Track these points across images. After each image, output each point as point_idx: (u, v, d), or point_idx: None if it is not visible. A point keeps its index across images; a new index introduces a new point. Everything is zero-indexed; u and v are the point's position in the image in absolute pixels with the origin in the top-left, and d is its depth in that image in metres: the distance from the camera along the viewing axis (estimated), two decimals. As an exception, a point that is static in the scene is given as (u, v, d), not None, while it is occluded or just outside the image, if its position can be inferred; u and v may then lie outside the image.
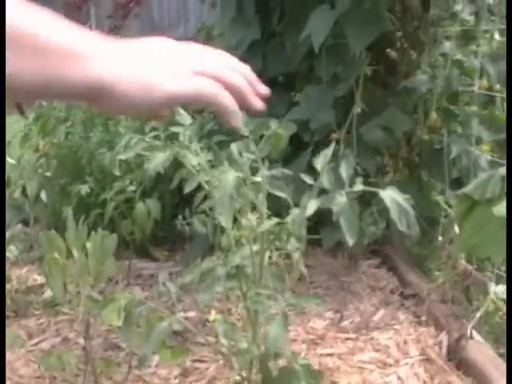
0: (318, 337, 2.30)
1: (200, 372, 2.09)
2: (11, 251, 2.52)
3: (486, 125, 2.38)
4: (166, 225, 2.90)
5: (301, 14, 2.81)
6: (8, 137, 3.14)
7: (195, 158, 1.40)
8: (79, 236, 1.85)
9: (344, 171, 1.28)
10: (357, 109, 2.74)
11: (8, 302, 2.42)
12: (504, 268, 2.46)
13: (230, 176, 1.19)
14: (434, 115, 2.66)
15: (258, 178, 1.30)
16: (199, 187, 1.54)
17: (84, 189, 2.58)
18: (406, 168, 2.89)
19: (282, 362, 1.38)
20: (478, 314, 2.22)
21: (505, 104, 2.38)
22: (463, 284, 2.43)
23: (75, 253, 1.83)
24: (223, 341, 1.40)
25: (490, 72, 2.37)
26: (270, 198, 1.44)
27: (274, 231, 1.36)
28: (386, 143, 2.73)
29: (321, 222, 2.87)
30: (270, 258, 1.50)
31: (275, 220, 1.32)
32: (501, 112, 2.43)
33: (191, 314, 2.40)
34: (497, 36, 2.39)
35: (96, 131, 2.86)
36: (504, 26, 2.32)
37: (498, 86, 2.43)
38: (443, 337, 2.26)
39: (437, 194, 2.78)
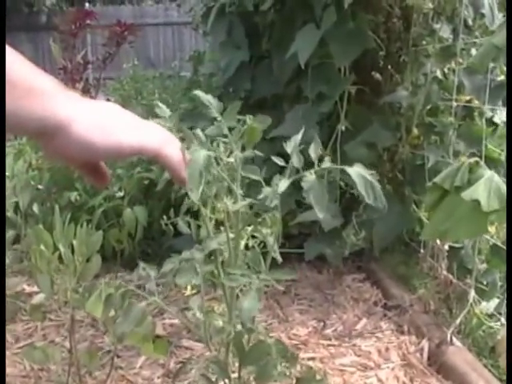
0: (300, 342, 2.33)
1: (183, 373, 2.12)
2: (1, 260, 2.56)
3: (462, 137, 2.46)
4: (154, 238, 2.95)
5: (288, 36, 2.90)
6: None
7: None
8: (66, 233, 1.91)
9: (313, 152, 1.34)
10: (341, 126, 2.82)
11: (-4, 307, 2.46)
12: (485, 281, 2.51)
13: (201, 153, 1.25)
14: (415, 131, 2.74)
15: (231, 159, 1.35)
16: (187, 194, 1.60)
17: (73, 195, 2.64)
18: (389, 184, 2.95)
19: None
20: (458, 320, 2.26)
21: (483, 118, 2.45)
22: (444, 293, 2.47)
23: (61, 248, 1.88)
24: (198, 315, 1.44)
25: (466, 85, 2.45)
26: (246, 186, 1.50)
27: (248, 213, 1.42)
28: (369, 159, 2.79)
29: (305, 235, 2.94)
30: (247, 245, 1.56)
31: (248, 200, 1.38)
32: (479, 125, 2.50)
33: (175, 321, 2.44)
34: (474, 51, 2.47)
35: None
36: (479, 41, 2.41)
37: (475, 101, 2.51)
38: (424, 343, 2.30)
39: (420, 209, 2.84)
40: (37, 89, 0.81)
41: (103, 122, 0.87)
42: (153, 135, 0.95)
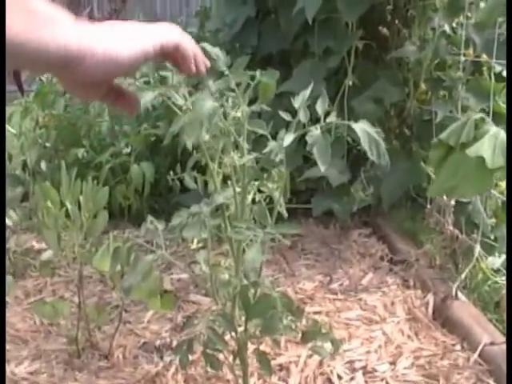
0: (306, 297, 2.36)
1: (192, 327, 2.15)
2: (10, 217, 2.58)
3: (472, 92, 2.44)
4: (161, 194, 2.96)
5: (295, -10, 2.87)
6: (9, 111, 3.23)
7: (181, 100, 1.46)
8: (73, 189, 1.92)
9: (319, 107, 1.34)
10: (348, 81, 2.80)
11: (6, 263, 2.48)
12: (492, 236, 2.52)
13: (207, 103, 1.25)
14: (423, 86, 2.73)
15: (238, 113, 1.35)
16: (194, 148, 1.60)
17: (80, 152, 2.65)
18: (397, 140, 2.94)
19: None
20: (463, 275, 2.27)
21: (492, 73, 2.43)
22: (450, 248, 2.48)
23: (68, 205, 1.89)
24: (204, 268, 1.46)
25: (475, 41, 2.43)
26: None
27: (254, 167, 1.42)
28: (376, 115, 2.78)
29: (312, 190, 2.94)
30: (254, 200, 1.56)
31: (254, 154, 1.38)
32: (487, 80, 2.48)
33: (183, 276, 2.47)
34: (482, 5, 2.44)
35: (94, 103, 2.93)
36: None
37: (484, 56, 2.49)
38: (429, 298, 2.31)
39: (428, 164, 2.83)
40: (57, 17, 0.80)
41: (122, 34, 0.88)
42: (170, 30, 0.96)
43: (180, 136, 1.58)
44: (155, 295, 1.89)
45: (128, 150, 2.64)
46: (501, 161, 1.45)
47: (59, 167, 1.94)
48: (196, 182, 1.79)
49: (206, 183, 1.73)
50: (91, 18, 4.73)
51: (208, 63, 1.09)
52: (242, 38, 3.24)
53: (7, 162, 2.97)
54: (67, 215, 1.89)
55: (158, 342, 2.05)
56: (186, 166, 1.72)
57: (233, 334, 1.52)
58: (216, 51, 1.45)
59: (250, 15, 3.17)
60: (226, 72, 1.39)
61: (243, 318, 1.52)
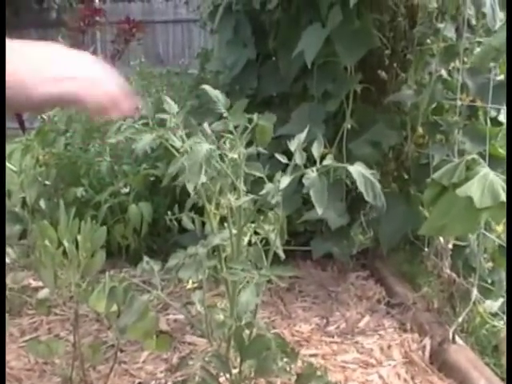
0: (303, 339, 2.35)
1: (187, 368, 2.14)
2: (8, 254, 2.59)
3: (468, 136, 2.46)
4: (160, 234, 2.97)
5: (294, 34, 2.90)
6: (10, 149, 3.25)
7: (179, 142, 1.48)
8: (71, 228, 1.93)
9: (315, 150, 1.36)
10: (347, 125, 2.83)
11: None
12: (489, 280, 2.52)
13: (203, 146, 1.27)
14: (420, 130, 2.75)
15: (235, 155, 1.37)
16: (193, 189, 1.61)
17: (79, 191, 2.66)
18: (395, 183, 2.96)
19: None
20: (460, 319, 2.27)
21: (487, 117, 2.45)
22: (448, 292, 2.48)
23: (66, 243, 1.90)
24: (199, 308, 1.46)
25: (469, 86, 2.45)
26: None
27: (250, 209, 1.43)
28: (374, 158, 2.80)
29: (311, 232, 2.95)
30: (250, 242, 1.57)
31: (251, 196, 1.39)
32: (483, 124, 2.50)
33: (179, 316, 2.46)
34: (477, 51, 2.48)
35: (94, 143, 2.96)
36: (483, 40, 2.41)
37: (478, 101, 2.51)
38: (426, 341, 2.31)
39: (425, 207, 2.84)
40: None
41: (23, 75, 0.88)
42: (71, 85, 0.93)
43: (178, 177, 1.59)
44: (151, 336, 1.88)
45: (127, 189, 2.66)
46: (489, 201, 1.47)
47: (58, 205, 1.95)
48: (194, 223, 1.80)
49: (203, 224, 1.74)
50: (94, 58, 4.79)
51: (137, 103, 1.07)
52: (242, 81, 3.27)
53: (6, 199, 2.98)
54: (65, 254, 1.89)
55: (152, 383, 2.04)
56: (184, 207, 1.73)
57: (227, 375, 1.52)
58: (216, 93, 1.48)
59: (251, 58, 3.22)
60: (225, 114, 1.42)
61: (238, 360, 1.52)
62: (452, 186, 1.51)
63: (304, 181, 1.32)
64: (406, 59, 2.89)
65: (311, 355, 2.23)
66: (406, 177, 2.95)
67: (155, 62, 7.60)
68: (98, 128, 3.11)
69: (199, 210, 1.67)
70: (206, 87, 1.45)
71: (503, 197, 1.53)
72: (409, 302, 2.58)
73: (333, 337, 2.38)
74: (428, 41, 2.71)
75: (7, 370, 2.13)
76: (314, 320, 2.51)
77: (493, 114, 2.47)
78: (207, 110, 2.71)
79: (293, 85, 3.12)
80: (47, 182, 2.97)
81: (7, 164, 2.93)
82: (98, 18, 4.93)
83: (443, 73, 2.60)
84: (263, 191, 1.36)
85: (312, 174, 1.33)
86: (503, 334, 2.23)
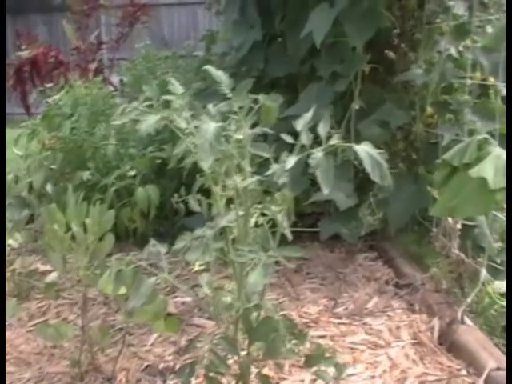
0: (311, 320, 2.34)
1: (195, 350, 2.14)
2: (16, 239, 2.59)
3: (479, 115, 2.43)
4: (167, 217, 2.97)
5: (301, 15, 2.88)
6: (16, 134, 3.25)
7: (184, 123, 1.47)
8: (79, 211, 1.92)
9: (322, 129, 1.34)
10: (355, 105, 2.81)
11: (11, 285, 2.49)
12: (498, 260, 2.51)
13: (211, 125, 1.25)
14: (429, 110, 2.73)
15: (240, 136, 1.36)
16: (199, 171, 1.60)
17: (85, 175, 2.66)
18: (403, 163, 2.94)
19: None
20: (469, 299, 2.25)
21: (498, 95, 2.43)
22: (456, 272, 2.47)
23: (74, 227, 1.90)
24: (206, 290, 1.45)
25: (483, 64, 2.42)
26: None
27: (257, 190, 1.42)
28: (383, 138, 2.79)
29: (318, 214, 2.94)
30: (257, 223, 1.56)
31: (257, 177, 1.38)
32: (494, 103, 2.48)
33: (187, 299, 2.46)
34: (489, 29, 2.45)
35: (100, 126, 2.95)
36: (494, 18, 2.39)
37: (491, 79, 2.49)
38: (435, 322, 2.29)
39: (434, 187, 2.83)
40: None
41: None
42: None
43: (184, 159, 1.58)
44: (159, 318, 1.88)
45: (133, 172, 2.65)
46: (502, 182, 1.45)
47: (65, 189, 1.95)
48: (201, 205, 1.79)
49: (210, 206, 1.73)
50: (99, 41, 4.77)
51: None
52: (249, 62, 3.25)
53: (14, 184, 2.98)
54: (73, 237, 1.89)
55: (161, 366, 2.04)
56: (191, 189, 1.72)
57: (235, 357, 1.51)
58: (220, 74, 1.46)
59: (257, 39, 3.18)
60: (229, 95, 1.40)
61: (247, 342, 1.51)
62: (463, 167, 1.49)
63: (310, 161, 1.30)
64: (414, 38, 2.86)
65: (319, 337, 2.22)
66: (415, 157, 2.93)
67: (160, 45, 7.58)
68: (103, 111, 3.10)
69: (206, 193, 1.66)
70: (210, 68, 1.43)
71: (518, 177, 1.51)
72: (417, 282, 2.57)
73: (341, 318, 2.37)
74: (438, 19, 2.67)
75: (16, 353, 2.14)
76: (322, 301, 2.50)
77: (504, 92, 2.44)
78: (213, 92, 2.69)
79: (300, 66, 3.09)
80: (53, 167, 2.97)
81: (14, 150, 2.93)
82: (102, 2, 4.89)
83: (453, 52, 2.57)
84: (269, 172, 1.34)
85: (318, 154, 1.31)
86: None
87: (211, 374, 1.48)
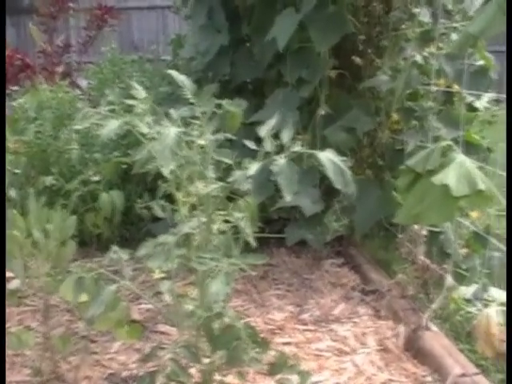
0: (276, 327, 2.33)
1: (158, 358, 2.12)
2: (-23, 245, 2.54)
3: (443, 122, 2.45)
4: (133, 223, 2.94)
5: (268, 19, 2.87)
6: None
7: (146, 128, 1.45)
8: (40, 217, 1.89)
9: (285, 136, 1.33)
10: (321, 111, 2.81)
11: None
12: (464, 266, 2.52)
13: (171, 130, 1.24)
14: (395, 116, 2.74)
15: (202, 141, 1.34)
16: (162, 177, 1.58)
17: (48, 180, 2.62)
18: (369, 169, 2.95)
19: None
20: (435, 305, 2.26)
21: (462, 103, 2.45)
22: (422, 278, 2.47)
23: (35, 233, 1.86)
24: (168, 298, 1.44)
25: (447, 71, 2.44)
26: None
27: (219, 196, 1.41)
28: (349, 144, 2.79)
29: (285, 220, 2.93)
30: (221, 229, 1.54)
31: (220, 183, 1.37)
32: (459, 110, 2.49)
33: (152, 306, 2.43)
34: (454, 36, 2.47)
35: (65, 130, 2.92)
36: (459, 25, 2.41)
37: (455, 86, 2.51)
38: (401, 329, 2.30)
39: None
40: None
41: None
42: None
43: (148, 164, 1.56)
44: (122, 325, 1.86)
45: (98, 177, 2.62)
46: (465, 189, 1.45)
47: (28, 195, 1.91)
48: (165, 211, 1.77)
49: (175, 211, 1.72)
50: (66, 44, 4.72)
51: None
52: (216, 67, 3.23)
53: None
54: (34, 243, 1.86)
55: (124, 374, 2.01)
56: (156, 195, 1.70)
57: (198, 365, 1.49)
58: (183, 79, 1.45)
59: (224, 44, 3.17)
60: (192, 100, 1.39)
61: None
62: (427, 173, 1.49)
63: (272, 168, 1.29)
64: (380, 45, 2.87)
65: (285, 343, 2.21)
66: (381, 163, 2.94)
67: (130, 48, 7.53)
68: (68, 115, 3.06)
69: (171, 198, 1.64)
70: (173, 72, 1.42)
71: (480, 185, 1.51)
72: (383, 288, 2.57)
73: (307, 325, 2.36)
74: (403, 26, 2.69)
75: (-25, 362, 2.09)
76: (288, 308, 2.49)
77: (469, 99, 2.46)
78: (179, 97, 2.68)
79: (267, 71, 3.09)
80: (17, 171, 2.93)
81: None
82: (70, 4, 4.84)
83: (418, 58, 2.58)
84: (231, 178, 1.33)
85: (281, 160, 1.30)
86: (476, 320, 2.22)
87: None
